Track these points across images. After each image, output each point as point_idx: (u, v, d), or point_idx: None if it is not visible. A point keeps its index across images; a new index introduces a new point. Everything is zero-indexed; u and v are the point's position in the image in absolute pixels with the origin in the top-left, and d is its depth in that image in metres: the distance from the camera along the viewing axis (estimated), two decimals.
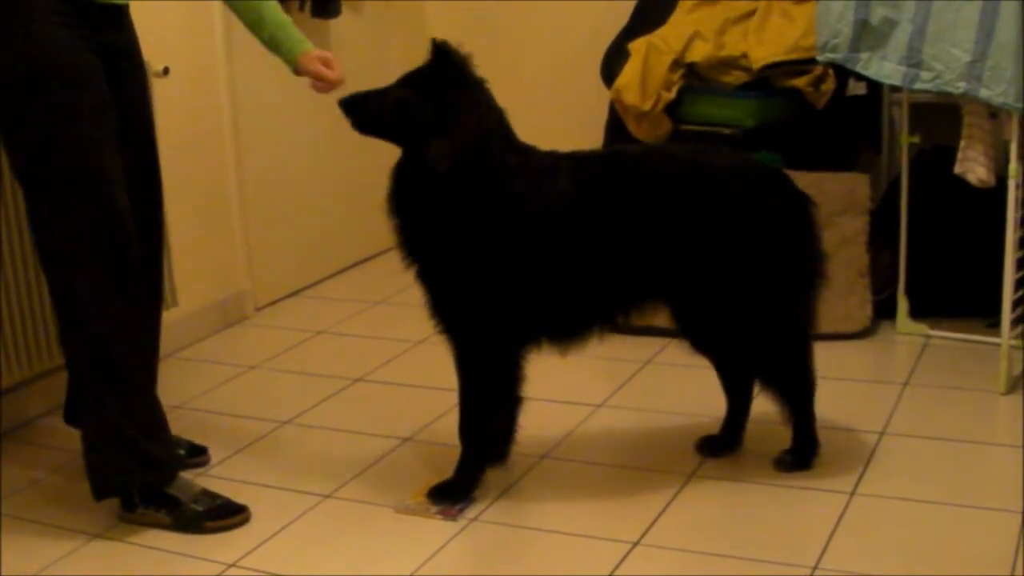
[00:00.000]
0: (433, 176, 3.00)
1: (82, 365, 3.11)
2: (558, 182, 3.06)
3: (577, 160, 3.15)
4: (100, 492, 3.16)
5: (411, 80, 3.06)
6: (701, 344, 3.39)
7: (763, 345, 3.24)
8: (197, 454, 3.53)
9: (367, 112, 3.09)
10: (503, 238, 3.03)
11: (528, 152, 3.11)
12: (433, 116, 2.99)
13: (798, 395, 3.29)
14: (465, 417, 3.23)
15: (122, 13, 3.13)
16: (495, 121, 3.07)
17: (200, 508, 3.15)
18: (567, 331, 3.21)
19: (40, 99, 2.90)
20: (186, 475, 3.29)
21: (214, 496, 3.21)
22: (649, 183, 3.12)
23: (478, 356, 3.17)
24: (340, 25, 5.14)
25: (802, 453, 3.31)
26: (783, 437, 3.33)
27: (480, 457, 3.25)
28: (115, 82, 3.05)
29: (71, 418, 3.44)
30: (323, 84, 3.25)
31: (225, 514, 3.17)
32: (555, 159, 3.12)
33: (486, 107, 3.06)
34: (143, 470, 3.14)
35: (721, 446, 3.42)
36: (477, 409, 3.22)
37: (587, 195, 3.07)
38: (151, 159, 3.26)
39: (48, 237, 3.02)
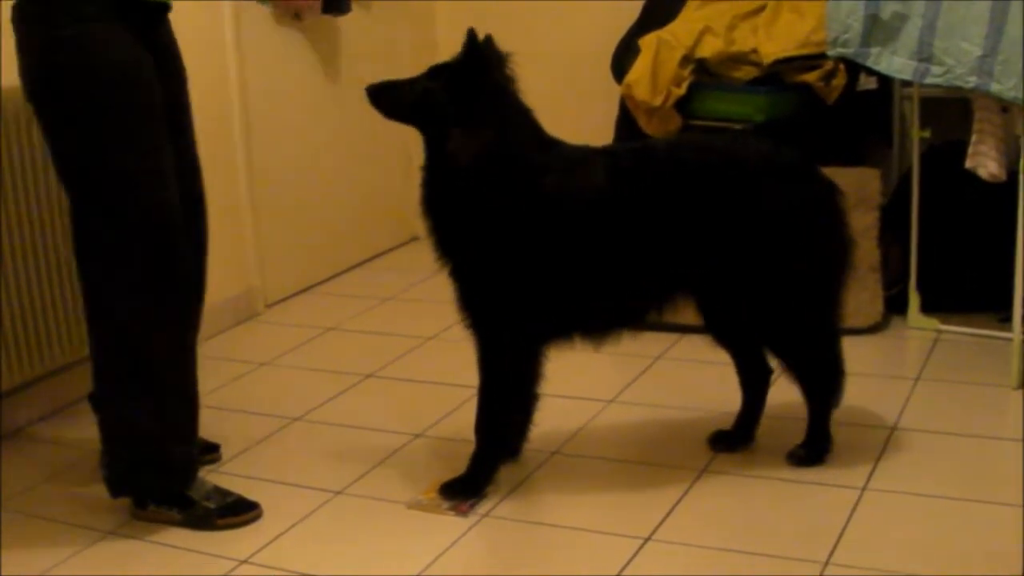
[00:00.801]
0: (461, 172, 3.01)
1: (114, 365, 3.08)
2: (591, 177, 3.08)
3: (609, 155, 3.17)
4: (117, 490, 3.17)
5: (440, 72, 3.07)
6: (725, 337, 3.40)
7: (791, 336, 3.25)
8: (209, 451, 3.51)
9: (392, 102, 3.12)
10: (535, 234, 3.03)
11: (558, 147, 3.12)
12: (457, 109, 3.01)
13: (824, 388, 3.29)
14: (483, 414, 3.23)
15: (167, 12, 3.13)
16: (521, 119, 3.08)
17: (212, 505, 3.16)
18: (600, 326, 3.22)
19: (96, 97, 2.89)
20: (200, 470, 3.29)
21: (226, 493, 3.21)
22: (680, 175, 3.13)
23: (503, 353, 3.17)
24: (349, 22, 5.15)
25: (815, 447, 3.31)
26: (794, 432, 3.33)
27: (495, 454, 3.25)
28: (162, 80, 3.04)
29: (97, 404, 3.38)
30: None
31: (236, 511, 3.17)
32: (586, 153, 3.14)
33: (512, 106, 3.08)
34: (164, 475, 3.14)
35: (735, 441, 3.42)
36: (496, 406, 3.22)
37: (620, 189, 3.08)
38: (194, 156, 3.26)
39: (96, 237, 2.99)
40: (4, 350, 3.65)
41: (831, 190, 3.22)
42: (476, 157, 3.00)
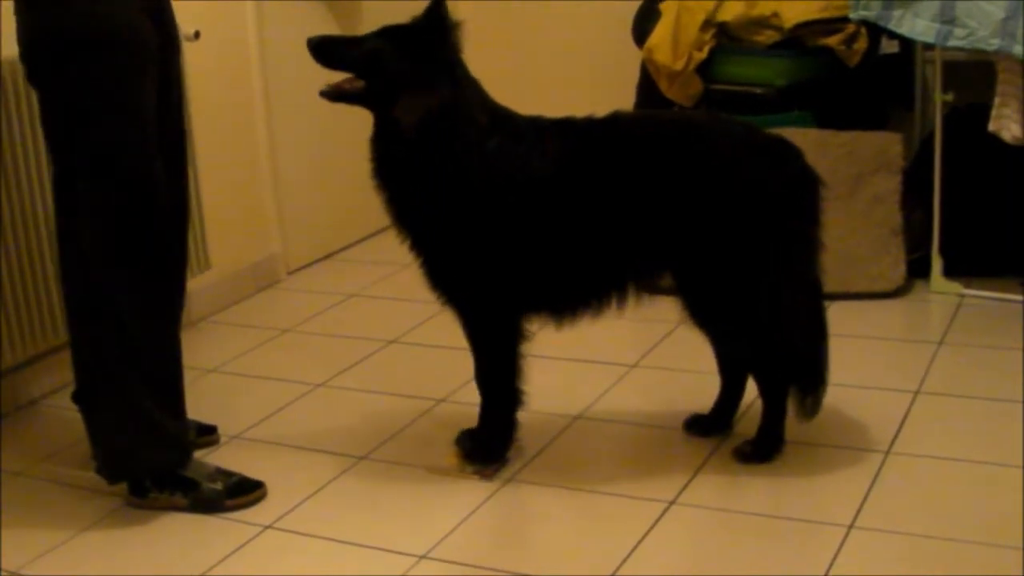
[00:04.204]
0: (409, 140, 2.98)
1: (103, 344, 3.01)
2: (543, 148, 3.00)
3: (566, 126, 3.06)
4: (116, 476, 3.13)
5: (391, 33, 3.02)
6: (699, 321, 3.16)
7: (746, 325, 3.08)
8: (206, 433, 3.45)
9: (337, 55, 3.07)
10: (486, 204, 2.98)
11: (508, 117, 3.06)
12: (406, 73, 2.96)
13: (771, 385, 3.16)
14: (482, 381, 3.23)
15: None
16: (471, 88, 3.03)
17: (219, 487, 3.10)
18: (560, 303, 3.13)
19: (100, 61, 2.84)
20: (198, 453, 3.24)
21: (229, 473, 3.15)
22: (638, 151, 3.00)
23: (481, 322, 3.16)
24: (371, 9, 5.13)
25: (762, 446, 3.18)
26: None
27: (507, 417, 3.23)
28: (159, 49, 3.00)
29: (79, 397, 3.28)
30: None
31: (244, 491, 3.12)
32: (539, 125, 3.06)
33: (463, 74, 3.01)
34: (161, 450, 3.09)
35: (710, 427, 3.33)
36: (491, 372, 3.20)
37: (574, 162, 3.00)
38: (183, 132, 3.22)
39: (81, 210, 2.93)
40: (7, 326, 3.60)
41: (809, 179, 3.03)
42: (423, 120, 2.95)
